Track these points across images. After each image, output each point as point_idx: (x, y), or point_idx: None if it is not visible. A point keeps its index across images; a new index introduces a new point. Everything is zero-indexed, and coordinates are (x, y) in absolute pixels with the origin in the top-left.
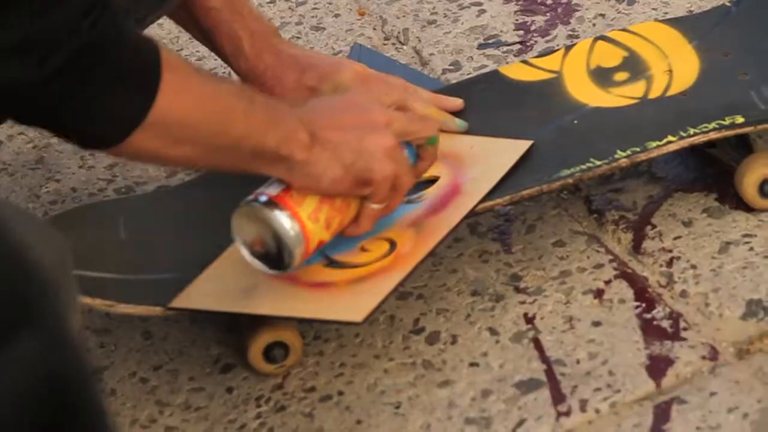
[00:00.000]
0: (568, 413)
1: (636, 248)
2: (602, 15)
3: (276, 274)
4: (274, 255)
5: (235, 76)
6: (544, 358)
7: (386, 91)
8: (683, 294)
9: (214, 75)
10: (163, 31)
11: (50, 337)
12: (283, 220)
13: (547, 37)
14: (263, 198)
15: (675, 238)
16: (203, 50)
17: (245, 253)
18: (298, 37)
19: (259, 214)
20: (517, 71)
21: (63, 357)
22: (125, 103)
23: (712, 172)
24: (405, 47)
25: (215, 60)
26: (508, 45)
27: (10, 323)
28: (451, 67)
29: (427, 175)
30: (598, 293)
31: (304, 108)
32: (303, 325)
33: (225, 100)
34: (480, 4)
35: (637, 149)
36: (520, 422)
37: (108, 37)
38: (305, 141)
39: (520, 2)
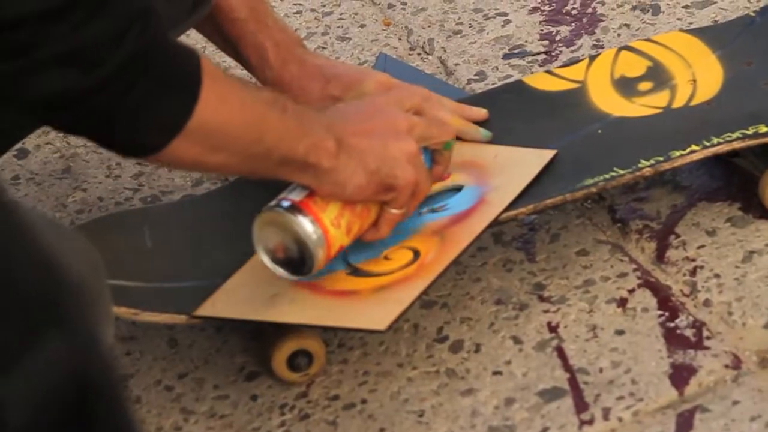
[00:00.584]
0: (591, 422)
1: (659, 257)
2: (627, 25)
3: (297, 279)
4: (296, 260)
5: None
6: (567, 367)
7: (409, 100)
8: (706, 303)
9: (249, 82)
10: (190, 40)
11: (77, 340)
12: (306, 225)
13: (572, 47)
14: (286, 203)
15: (699, 248)
16: (229, 61)
17: (265, 258)
18: (324, 47)
19: (282, 219)
20: (541, 81)
21: (90, 360)
22: (168, 111)
23: (736, 182)
24: (430, 57)
25: (241, 70)
26: (533, 55)
27: (38, 325)
28: (476, 77)
29: (450, 184)
30: (622, 302)
31: (329, 114)
32: (327, 333)
33: (261, 108)
34: (505, 14)
35: (661, 158)
36: (543, 430)
37: (152, 47)
38: (332, 149)
39: (545, 12)
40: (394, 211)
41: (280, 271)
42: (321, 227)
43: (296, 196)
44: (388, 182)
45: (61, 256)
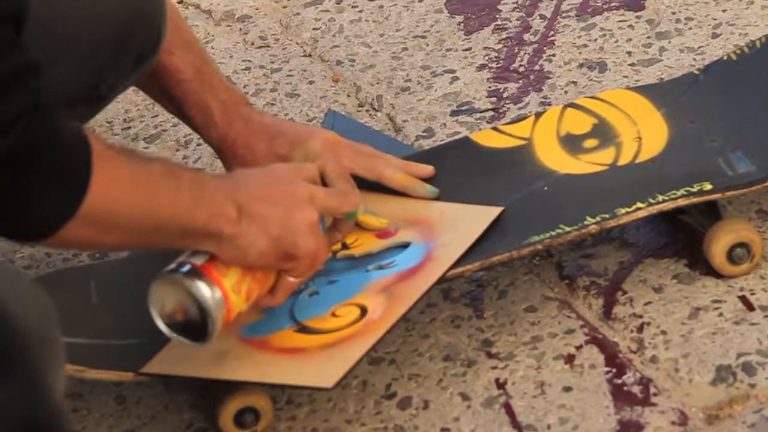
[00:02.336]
0: None
1: (607, 314)
2: (574, 82)
3: (192, 345)
4: (196, 326)
5: (206, 146)
6: (515, 424)
7: (355, 158)
8: (653, 359)
9: (141, 156)
10: (139, 97)
11: (29, 389)
12: (205, 290)
13: (520, 104)
14: (186, 267)
15: (645, 304)
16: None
17: (161, 324)
18: (272, 104)
19: (182, 284)
20: (487, 138)
21: (39, 409)
22: (56, 200)
23: (683, 238)
24: (379, 114)
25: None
26: (481, 112)
27: None
28: (425, 134)
29: (397, 240)
30: (569, 358)
31: (231, 180)
32: (275, 389)
33: (152, 184)
34: (453, 71)
35: (607, 216)
36: None
37: (39, 139)
38: (233, 215)
39: (492, 70)
40: (292, 279)
41: (176, 337)
42: (221, 292)
43: (197, 260)
44: (289, 251)
45: (12, 304)
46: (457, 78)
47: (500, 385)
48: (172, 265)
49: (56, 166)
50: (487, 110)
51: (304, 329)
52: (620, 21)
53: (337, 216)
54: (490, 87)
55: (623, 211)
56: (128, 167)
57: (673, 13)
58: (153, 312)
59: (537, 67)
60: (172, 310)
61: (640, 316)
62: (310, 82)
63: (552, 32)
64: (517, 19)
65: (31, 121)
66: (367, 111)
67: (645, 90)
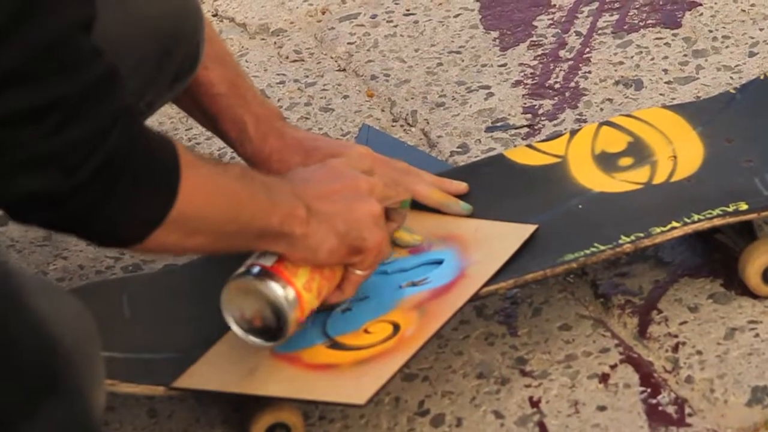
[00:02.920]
0: None
1: (642, 333)
2: (610, 100)
3: (267, 346)
4: (272, 327)
5: (239, 160)
6: None
7: (389, 173)
8: (689, 379)
9: (218, 160)
10: (173, 110)
11: (72, 408)
12: (278, 290)
13: (555, 121)
14: (256, 269)
15: (681, 324)
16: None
17: (236, 328)
18: (307, 118)
19: (253, 286)
20: (522, 155)
21: (84, 427)
22: (148, 205)
23: (719, 258)
24: (413, 129)
25: (220, 148)
26: (516, 128)
27: (37, 393)
28: (459, 150)
29: (431, 257)
30: (604, 377)
31: (294, 180)
32: (308, 405)
33: (234, 188)
34: (488, 87)
35: (641, 235)
36: None
37: (131, 146)
38: (303, 216)
39: (528, 86)
40: (360, 272)
41: (253, 340)
42: (294, 291)
43: (266, 261)
44: (356, 245)
45: (56, 322)
46: (492, 94)
47: (534, 403)
48: (241, 269)
49: (149, 170)
50: (522, 127)
51: (336, 345)
52: (657, 38)
53: (392, 206)
54: (525, 103)
55: (658, 230)
56: (210, 171)
57: (710, 32)
58: (226, 315)
59: (572, 84)
60: (246, 313)
61: (676, 336)
62: (345, 97)
63: (588, 49)
64: (553, 36)
65: (123, 126)
66: (402, 126)
67: (681, 108)
